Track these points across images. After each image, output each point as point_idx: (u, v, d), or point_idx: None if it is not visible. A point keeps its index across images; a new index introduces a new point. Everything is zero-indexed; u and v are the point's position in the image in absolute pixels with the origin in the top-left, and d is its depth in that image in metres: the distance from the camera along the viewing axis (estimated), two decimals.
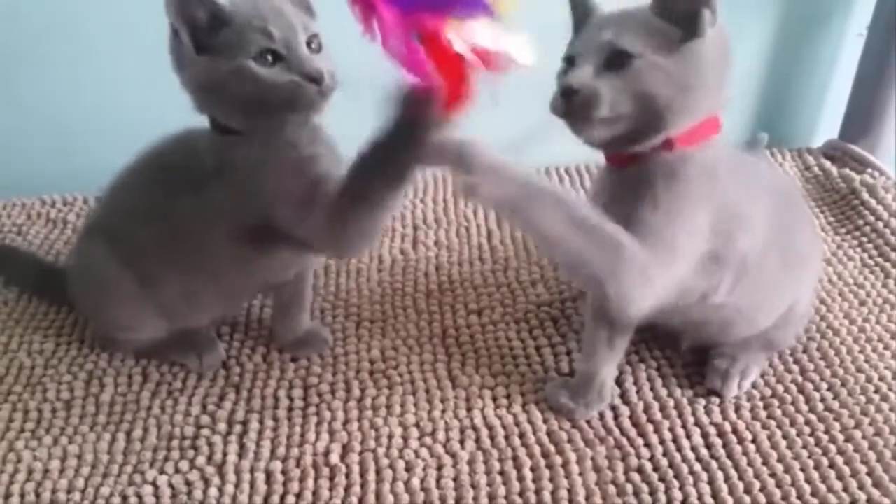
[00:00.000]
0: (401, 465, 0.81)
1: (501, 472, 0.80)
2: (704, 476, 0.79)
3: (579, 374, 0.88)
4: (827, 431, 0.83)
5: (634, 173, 0.75)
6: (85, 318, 1.01)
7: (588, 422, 0.85)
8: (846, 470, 0.79)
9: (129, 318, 0.91)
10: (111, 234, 0.88)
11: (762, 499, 0.76)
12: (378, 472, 0.81)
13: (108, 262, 0.87)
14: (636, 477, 0.79)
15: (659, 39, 0.70)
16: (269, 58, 0.75)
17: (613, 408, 0.87)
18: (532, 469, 0.81)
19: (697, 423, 0.85)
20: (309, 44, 0.77)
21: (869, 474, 0.78)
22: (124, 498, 0.79)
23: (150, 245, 0.85)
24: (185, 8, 0.73)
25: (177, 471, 0.82)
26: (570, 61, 0.74)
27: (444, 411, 0.88)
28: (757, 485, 0.78)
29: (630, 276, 0.71)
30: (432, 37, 0.64)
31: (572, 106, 0.70)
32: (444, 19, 0.64)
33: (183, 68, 0.77)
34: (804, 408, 0.86)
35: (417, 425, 0.86)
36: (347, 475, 0.81)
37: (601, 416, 0.86)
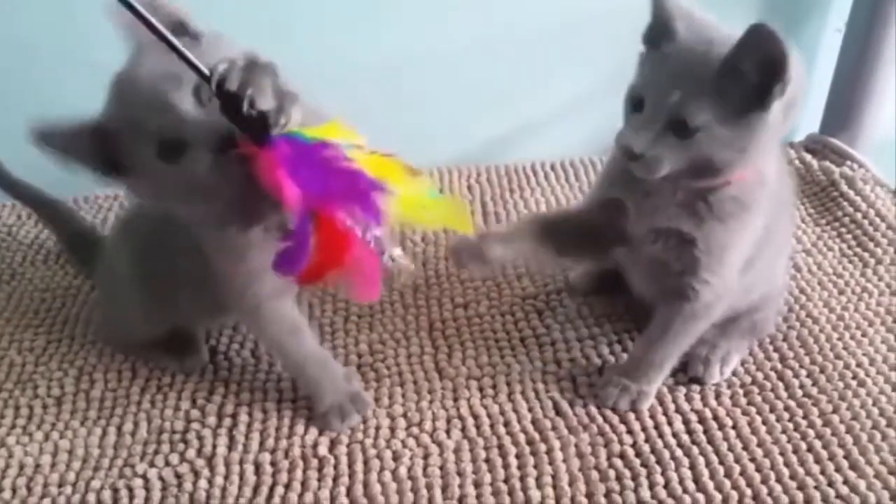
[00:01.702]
0: (388, 454, 0.83)
1: (487, 460, 0.82)
2: (686, 461, 0.80)
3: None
4: (805, 417, 0.85)
5: (694, 195, 0.77)
6: (76, 315, 1.03)
7: (572, 409, 0.87)
8: (824, 454, 0.81)
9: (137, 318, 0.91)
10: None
11: (742, 483, 0.78)
12: (366, 462, 0.82)
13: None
14: (619, 463, 0.81)
15: (724, 106, 0.68)
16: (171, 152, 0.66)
17: (596, 395, 0.88)
18: (517, 456, 0.82)
19: (679, 410, 0.86)
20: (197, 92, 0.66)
21: (846, 457, 0.80)
22: (115, 491, 0.80)
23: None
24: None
25: (167, 464, 0.83)
26: (636, 104, 0.72)
27: (431, 402, 0.89)
28: (737, 469, 0.79)
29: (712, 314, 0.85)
30: (328, 216, 0.64)
31: (633, 163, 0.72)
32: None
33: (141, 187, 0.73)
34: (783, 394, 0.88)
35: (405, 416, 0.87)
36: (335, 466, 0.82)
37: (584, 404, 0.88)
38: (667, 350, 0.85)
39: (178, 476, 0.81)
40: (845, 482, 0.77)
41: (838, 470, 0.79)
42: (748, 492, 0.77)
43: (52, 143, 0.68)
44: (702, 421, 0.85)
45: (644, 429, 0.84)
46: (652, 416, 0.86)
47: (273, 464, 0.82)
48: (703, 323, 0.85)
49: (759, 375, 0.90)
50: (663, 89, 0.70)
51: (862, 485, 0.77)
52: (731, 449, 0.82)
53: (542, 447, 0.82)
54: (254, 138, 0.62)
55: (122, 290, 0.91)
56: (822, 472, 0.79)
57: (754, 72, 0.66)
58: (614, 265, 0.93)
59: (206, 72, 0.61)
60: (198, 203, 0.71)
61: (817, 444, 0.82)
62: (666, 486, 0.78)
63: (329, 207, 0.65)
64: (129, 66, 0.69)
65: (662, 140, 0.70)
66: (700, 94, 0.68)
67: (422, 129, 1.35)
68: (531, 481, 0.79)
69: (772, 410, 0.86)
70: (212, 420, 0.87)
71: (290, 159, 0.63)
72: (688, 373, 0.90)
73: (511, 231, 0.88)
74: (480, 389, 0.91)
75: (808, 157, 1.32)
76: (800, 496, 0.76)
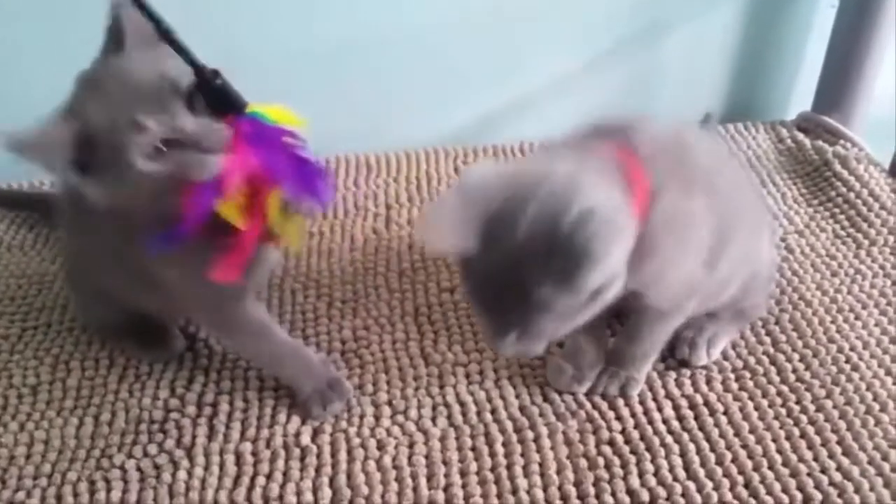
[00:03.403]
0: (372, 443, 0.81)
1: (473, 448, 0.80)
2: (676, 448, 0.79)
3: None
4: (798, 402, 0.83)
5: None
6: (52, 303, 1.00)
7: (559, 395, 0.85)
8: (817, 439, 0.79)
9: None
10: None
11: (734, 470, 0.77)
12: (349, 451, 0.80)
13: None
14: (607, 450, 0.79)
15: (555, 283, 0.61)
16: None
17: None
18: (504, 444, 0.80)
19: (668, 396, 0.85)
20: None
21: (839, 443, 0.79)
22: (92, 483, 0.78)
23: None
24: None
25: (145, 454, 0.81)
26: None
27: (416, 389, 0.87)
28: (728, 456, 0.78)
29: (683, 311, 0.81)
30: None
31: None
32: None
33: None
34: (776, 379, 0.86)
35: (390, 403, 0.86)
36: (318, 455, 0.80)
37: None
38: (646, 345, 0.84)
39: (157, 467, 0.80)
40: (838, 468, 0.76)
41: (831, 456, 0.77)
42: (740, 479, 0.76)
43: (30, 153, 0.65)
44: (692, 407, 0.83)
45: (633, 415, 0.83)
46: (641, 402, 0.84)
47: (254, 454, 0.81)
48: (676, 319, 0.82)
49: (751, 360, 0.89)
50: (505, 282, 0.63)
51: (855, 471, 0.75)
52: (722, 435, 0.80)
53: (530, 434, 0.81)
54: (221, 112, 0.68)
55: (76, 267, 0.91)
56: (815, 459, 0.77)
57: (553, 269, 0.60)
58: None
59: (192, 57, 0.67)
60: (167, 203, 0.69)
61: (810, 429, 0.80)
62: (656, 474, 0.77)
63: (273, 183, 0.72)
64: (111, 63, 0.67)
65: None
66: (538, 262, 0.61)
67: (407, 109, 1.32)
68: (518, 469, 0.78)
69: (764, 396, 0.84)
70: (191, 409, 0.85)
71: (251, 137, 0.69)
72: (675, 355, 0.88)
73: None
74: (467, 376, 0.89)
75: (801, 136, 1.30)
76: (792, 483, 0.75)
